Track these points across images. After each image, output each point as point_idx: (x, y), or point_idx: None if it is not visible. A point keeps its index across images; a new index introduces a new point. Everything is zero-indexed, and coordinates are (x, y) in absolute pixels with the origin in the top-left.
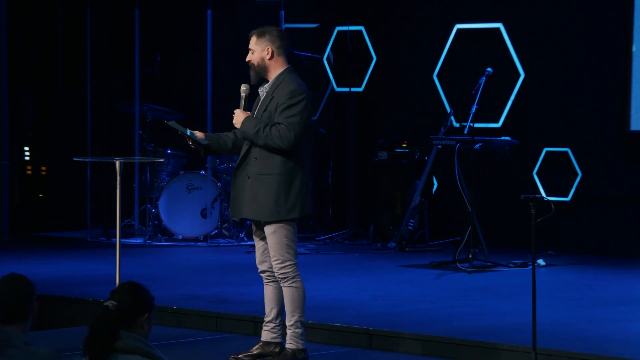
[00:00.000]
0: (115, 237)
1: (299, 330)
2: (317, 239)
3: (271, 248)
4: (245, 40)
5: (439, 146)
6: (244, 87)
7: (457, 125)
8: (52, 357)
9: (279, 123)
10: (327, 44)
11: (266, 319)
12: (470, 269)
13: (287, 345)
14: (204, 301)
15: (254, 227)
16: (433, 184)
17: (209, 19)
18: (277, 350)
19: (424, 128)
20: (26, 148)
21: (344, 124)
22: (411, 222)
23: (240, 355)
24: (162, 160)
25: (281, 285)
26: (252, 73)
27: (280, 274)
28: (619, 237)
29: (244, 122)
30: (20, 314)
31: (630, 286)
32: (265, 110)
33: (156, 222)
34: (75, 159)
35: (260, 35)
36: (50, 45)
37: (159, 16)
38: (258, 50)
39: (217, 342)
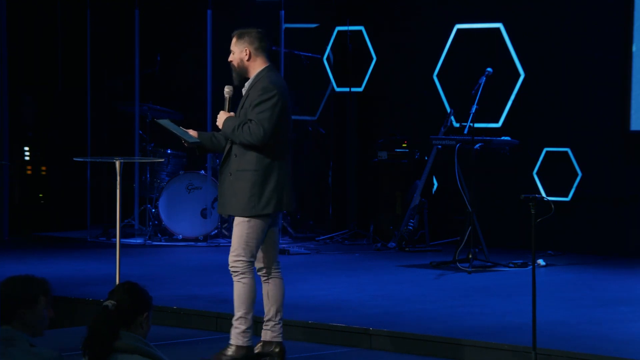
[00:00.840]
0: (115, 237)
1: (242, 327)
2: (317, 239)
3: (232, 239)
4: None
5: (439, 146)
6: (227, 89)
7: (457, 125)
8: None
9: (250, 120)
10: (327, 44)
11: (265, 318)
12: (470, 269)
13: (230, 341)
14: (204, 301)
15: None
16: (433, 184)
17: (209, 19)
18: (277, 349)
19: (424, 128)
20: (26, 148)
21: (344, 124)
22: (411, 222)
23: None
24: (162, 160)
25: (233, 279)
26: (233, 74)
27: (230, 267)
28: (619, 237)
29: (225, 122)
30: (4, 313)
31: (630, 286)
32: (242, 108)
33: (156, 222)
34: (75, 159)
35: (239, 37)
36: (50, 45)
37: (159, 16)
38: (237, 51)
39: (217, 342)
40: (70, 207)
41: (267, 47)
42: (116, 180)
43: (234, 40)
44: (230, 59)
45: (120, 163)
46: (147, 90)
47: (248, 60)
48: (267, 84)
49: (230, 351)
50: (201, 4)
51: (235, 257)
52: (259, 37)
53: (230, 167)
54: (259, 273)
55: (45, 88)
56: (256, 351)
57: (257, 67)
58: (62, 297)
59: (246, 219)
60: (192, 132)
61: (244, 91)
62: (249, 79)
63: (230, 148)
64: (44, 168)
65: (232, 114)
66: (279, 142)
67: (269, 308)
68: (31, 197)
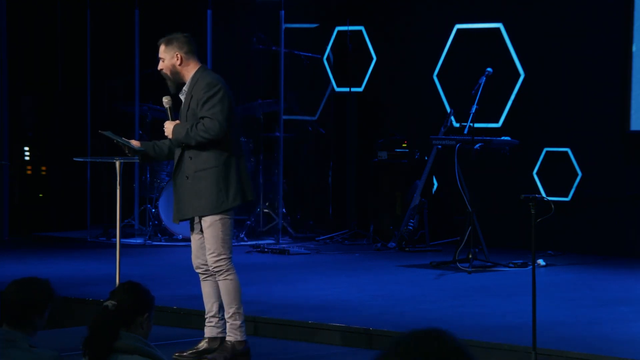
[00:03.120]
0: (115, 237)
1: (237, 322)
2: (317, 239)
3: (207, 241)
4: (246, 40)
5: (439, 146)
6: (166, 99)
7: (457, 125)
8: None
9: (202, 117)
10: (327, 44)
11: (208, 315)
12: (470, 269)
13: (227, 338)
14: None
15: (191, 225)
16: (433, 184)
17: (209, 19)
18: (217, 345)
19: (424, 128)
20: (26, 148)
21: (344, 124)
22: (411, 222)
23: (185, 353)
24: (165, 161)
25: (216, 278)
26: (168, 82)
27: (214, 267)
28: (619, 237)
29: (174, 131)
30: (17, 318)
31: (630, 286)
32: (188, 109)
33: (156, 222)
34: (75, 159)
35: (168, 43)
36: (50, 45)
37: (159, 16)
38: (168, 57)
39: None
40: (70, 207)
41: (195, 50)
42: (116, 180)
43: (162, 47)
44: (160, 67)
45: (120, 163)
46: (147, 90)
47: (180, 64)
48: (210, 80)
49: (228, 346)
50: (201, 4)
51: (217, 257)
52: (187, 40)
53: (185, 170)
54: (198, 271)
55: (45, 88)
56: (202, 348)
57: (190, 69)
58: (62, 297)
59: (217, 217)
60: (135, 142)
61: (182, 96)
62: (183, 84)
63: (182, 153)
64: (44, 168)
65: (177, 121)
66: (232, 136)
67: (212, 305)
68: (31, 197)
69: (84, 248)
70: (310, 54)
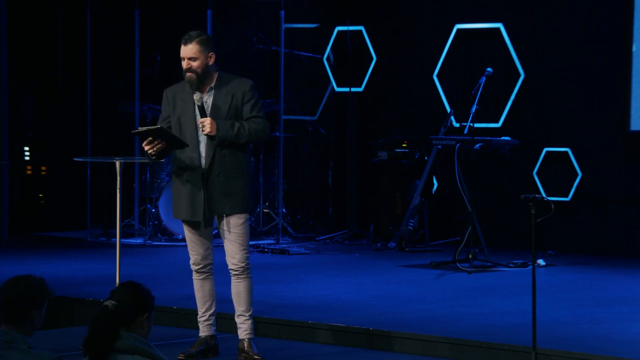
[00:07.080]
0: (115, 237)
1: (253, 321)
2: (317, 239)
3: (237, 239)
4: (246, 40)
5: (439, 146)
6: (197, 97)
7: (457, 125)
8: None
9: (254, 117)
10: (327, 44)
11: (207, 313)
12: (470, 269)
13: (247, 336)
14: None
15: (197, 224)
16: (433, 184)
17: (209, 19)
18: (214, 342)
19: (424, 128)
20: (26, 148)
21: (344, 124)
22: (411, 222)
23: (193, 351)
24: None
25: (238, 277)
26: (192, 80)
27: (243, 265)
28: (619, 237)
29: (218, 128)
30: (17, 315)
31: (630, 286)
32: (229, 108)
33: (156, 222)
34: (75, 159)
35: (202, 42)
36: (50, 46)
37: (159, 16)
38: (203, 57)
39: (219, 342)
40: (70, 207)
41: None
42: (116, 180)
43: (194, 46)
44: (190, 65)
45: (120, 163)
46: (147, 90)
47: (211, 64)
48: (252, 82)
49: (251, 345)
50: (201, 4)
51: (246, 254)
52: (212, 40)
53: (218, 168)
54: (203, 270)
55: (45, 88)
56: (204, 347)
57: (214, 69)
58: (62, 297)
59: (247, 216)
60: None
61: (204, 96)
62: (203, 84)
63: (215, 150)
64: (44, 168)
65: (209, 118)
66: None
67: (211, 303)
68: (31, 197)
69: (84, 248)
70: (310, 54)
